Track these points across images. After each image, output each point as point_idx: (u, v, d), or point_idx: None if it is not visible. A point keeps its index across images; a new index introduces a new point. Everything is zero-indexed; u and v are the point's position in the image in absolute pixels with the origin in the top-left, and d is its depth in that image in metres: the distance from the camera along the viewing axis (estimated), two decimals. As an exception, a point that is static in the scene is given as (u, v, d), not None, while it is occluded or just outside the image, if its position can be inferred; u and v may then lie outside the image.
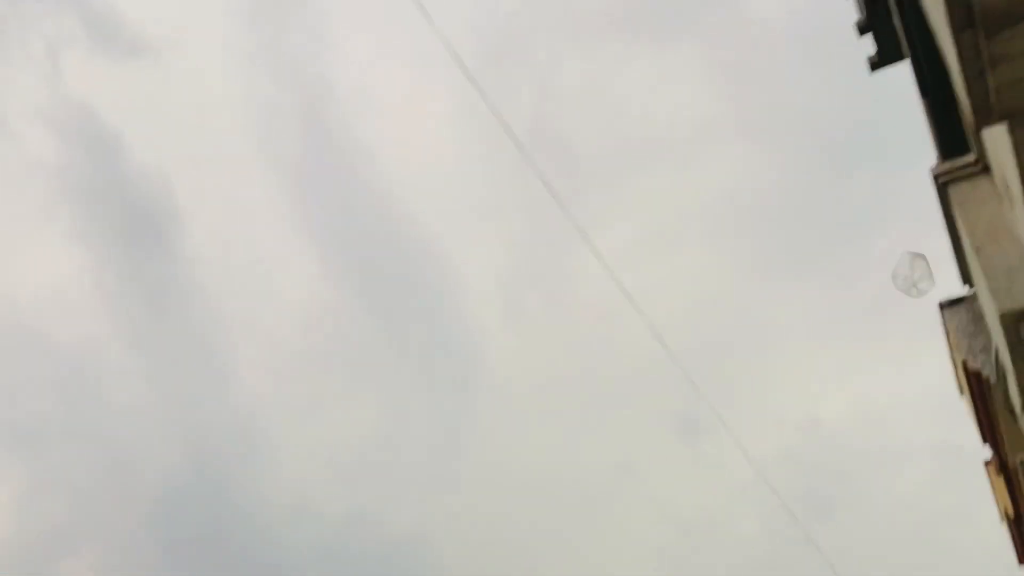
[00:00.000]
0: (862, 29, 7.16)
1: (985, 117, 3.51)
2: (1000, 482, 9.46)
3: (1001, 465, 8.97)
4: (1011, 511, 9.38)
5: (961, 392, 8.90)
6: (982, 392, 8.17)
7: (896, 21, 6.36)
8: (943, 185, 5.37)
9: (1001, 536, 10.98)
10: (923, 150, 7.43)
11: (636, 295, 9.84)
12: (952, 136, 6.22)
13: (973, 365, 7.73)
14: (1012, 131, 3.54)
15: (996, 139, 4.17)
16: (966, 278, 6.01)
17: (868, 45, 7.52)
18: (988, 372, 7.64)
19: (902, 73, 7.37)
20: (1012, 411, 7.23)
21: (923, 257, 10.03)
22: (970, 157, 5.21)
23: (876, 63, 7.69)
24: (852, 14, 7.38)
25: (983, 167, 5.09)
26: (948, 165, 5.33)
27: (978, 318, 7.88)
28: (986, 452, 9.58)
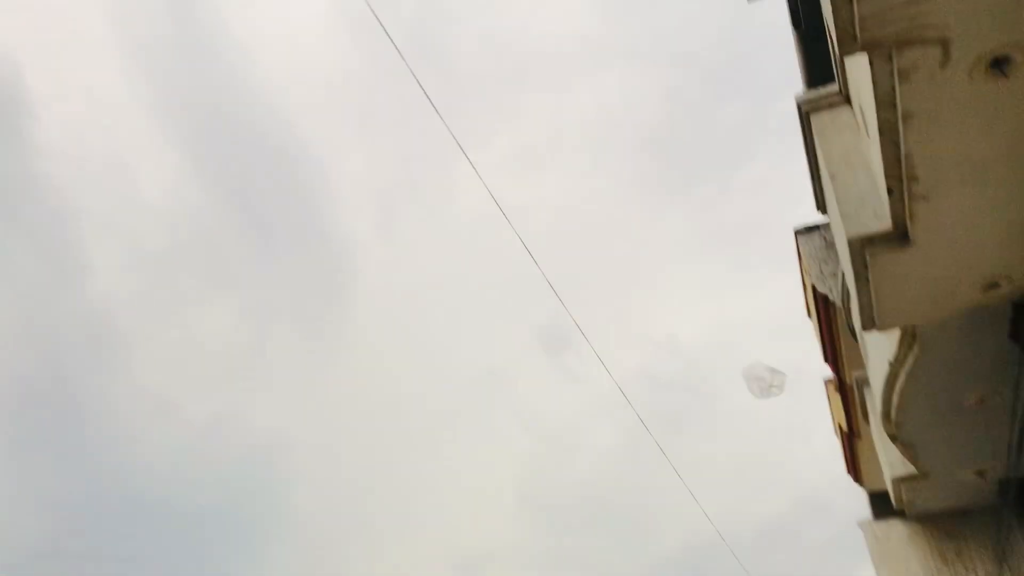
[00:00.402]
0: (742, -45, 7.27)
1: (849, 47, 3.66)
2: (837, 399, 10.16)
3: (839, 383, 9.63)
4: (844, 425, 10.11)
5: (809, 314, 9.45)
6: (827, 314, 8.69)
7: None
8: (806, 113, 5.58)
9: (833, 449, 11.85)
10: (794, 82, 7.68)
11: (510, 209, 9.89)
12: (820, 68, 6.45)
13: (821, 288, 8.19)
14: (872, 61, 3.72)
15: (857, 69, 4.37)
16: (821, 205, 6.31)
17: (747, -27, 7.66)
18: (834, 296, 8.13)
19: (779, 4, 7.55)
20: (853, 332, 7.74)
21: (774, 368, 11.30)
22: (833, 87, 5.43)
23: (754, -9, 7.85)
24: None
25: (845, 97, 5.32)
26: (812, 94, 5.53)
27: (830, 245, 8.32)
28: (827, 371, 10.25)
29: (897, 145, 4.09)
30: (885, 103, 3.89)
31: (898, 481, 8.50)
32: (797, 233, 8.87)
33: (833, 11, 3.51)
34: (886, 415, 6.93)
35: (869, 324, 5.36)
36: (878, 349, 6.67)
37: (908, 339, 5.98)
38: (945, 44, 3.55)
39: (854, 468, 10.87)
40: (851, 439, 10.25)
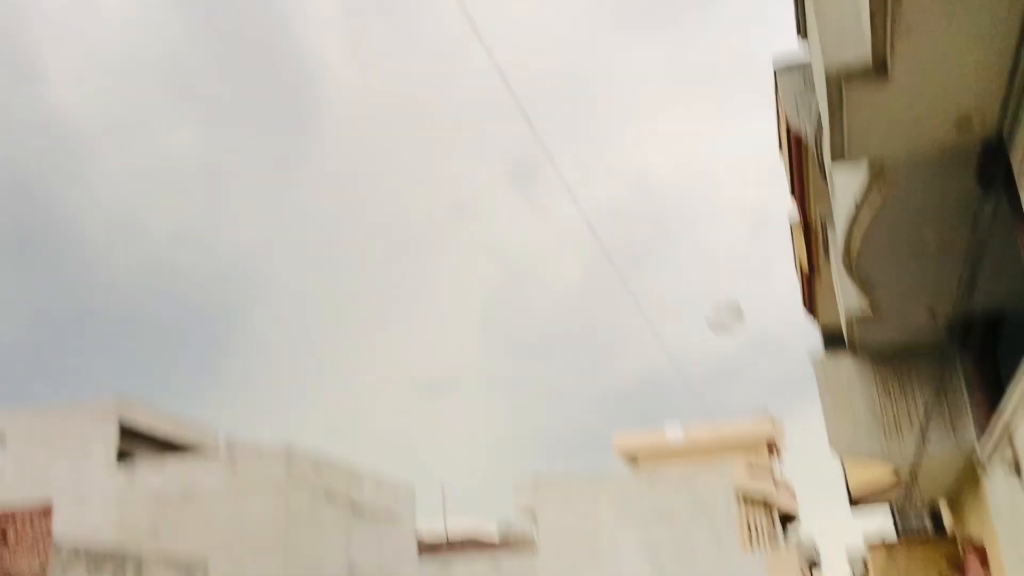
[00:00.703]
0: None
1: None
2: (800, 237, 10.32)
3: (803, 220, 9.74)
4: (805, 263, 10.31)
5: (780, 148, 9.43)
6: (799, 150, 8.68)
7: None
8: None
9: (792, 293, 12.15)
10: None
11: (483, 30, 9.55)
12: None
13: (795, 123, 8.15)
14: None
15: None
16: (803, 31, 6.18)
17: None
18: (808, 132, 8.09)
19: None
20: (822, 169, 7.76)
21: (736, 304, 11.98)
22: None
23: None
24: None
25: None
26: (804, -84, 5.31)
27: (808, 83, 8.21)
28: (793, 210, 10.35)
29: (885, -30, 3.96)
30: (878, -78, 3.74)
31: (852, 318, 8.75)
32: (776, 69, 8.73)
33: None
34: (847, 251, 7.05)
35: (839, 154, 5.37)
36: (845, 187, 6.70)
37: (876, 177, 6.01)
38: None
39: (810, 304, 11.18)
40: (811, 276, 10.48)
